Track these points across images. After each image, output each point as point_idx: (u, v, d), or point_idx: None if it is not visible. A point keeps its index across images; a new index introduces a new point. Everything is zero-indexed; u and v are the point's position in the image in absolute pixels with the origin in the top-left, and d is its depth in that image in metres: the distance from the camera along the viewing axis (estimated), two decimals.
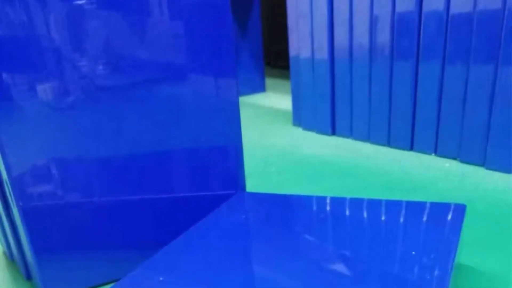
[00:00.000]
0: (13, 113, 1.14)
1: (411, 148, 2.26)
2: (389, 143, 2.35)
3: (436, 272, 0.96)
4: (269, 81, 4.12)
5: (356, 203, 1.32)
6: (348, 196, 1.36)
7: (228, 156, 1.41)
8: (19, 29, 1.11)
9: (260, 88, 3.88)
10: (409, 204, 1.29)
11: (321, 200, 1.35)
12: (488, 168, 1.97)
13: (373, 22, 2.25)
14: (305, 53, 2.64)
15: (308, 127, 2.74)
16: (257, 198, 1.41)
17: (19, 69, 1.13)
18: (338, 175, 2.04)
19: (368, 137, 2.44)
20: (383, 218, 1.23)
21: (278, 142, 2.56)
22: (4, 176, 1.19)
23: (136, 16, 1.22)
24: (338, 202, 1.34)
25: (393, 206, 1.28)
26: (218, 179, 1.41)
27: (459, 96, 2.02)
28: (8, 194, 1.23)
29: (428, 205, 1.27)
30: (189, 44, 1.29)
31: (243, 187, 1.46)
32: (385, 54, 2.24)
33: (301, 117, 2.78)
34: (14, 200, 1.18)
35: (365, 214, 1.26)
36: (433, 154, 2.18)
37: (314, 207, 1.33)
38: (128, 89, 1.25)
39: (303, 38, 2.62)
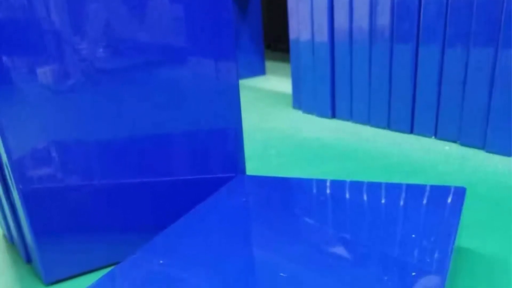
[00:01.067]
0: (13, 96, 1.13)
1: (411, 131, 2.26)
2: (389, 126, 2.35)
3: (436, 255, 0.96)
4: (269, 64, 4.12)
5: (356, 186, 1.32)
6: (348, 179, 1.37)
7: (228, 139, 1.41)
8: (19, 12, 1.11)
9: (260, 71, 3.88)
10: (409, 187, 1.29)
11: (321, 183, 1.35)
12: (488, 151, 1.96)
13: (373, 5, 2.25)
14: (305, 36, 2.63)
15: (308, 110, 2.74)
16: (257, 181, 1.41)
17: (19, 52, 1.12)
18: (338, 158, 2.04)
19: (368, 120, 2.44)
20: (383, 201, 1.23)
21: (278, 125, 2.56)
22: (4, 159, 1.18)
23: None
24: (338, 185, 1.34)
25: (393, 189, 1.28)
26: (218, 162, 1.41)
27: (459, 79, 2.02)
28: (8, 177, 1.23)
29: (428, 188, 1.27)
30: (189, 27, 1.28)
31: (243, 170, 1.46)
32: (385, 37, 2.24)
33: (301, 100, 2.78)
34: (14, 183, 1.18)
35: (365, 197, 1.26)
36: (433, 137, 2.18)
37: (314, 190, 1.33)
38: (128, 72, 1.24)
39: (303, 21, 2.61)
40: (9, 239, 1.49)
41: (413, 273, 0.90)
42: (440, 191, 1.25)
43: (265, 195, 1.32)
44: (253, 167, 1.73)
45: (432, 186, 1.27)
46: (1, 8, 1.09)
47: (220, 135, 1.39)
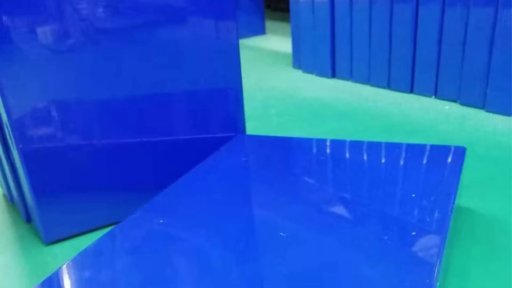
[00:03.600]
0: (13, 56, 1.13)
1: (411, 90, 2.26)
2: (389, 85, 2.34)
3: (436, 215, 0.96)
4: (269, 24, 4.10)
5: (356, 145, 1.32)
6: (347, 138, 1.36)
7: (228, 99, 1.40)
8: None
9: (260, 30, 3.86)
10: (409, 146, 1.29)
11: (321, 142, 1.35)
12: (488, 111, 1.96)
13: None
14: None
15: (308, 69, 2.73)
16: (257, 140, 1.41)
17: (19, 12, 1.12)
18: (338, 117, 2.04)
19: (368, 80, 2.43)
20: (383, 160, 1.23)
21: (278, 85, 2.55)
22: (4, 118, 1.18)
23: None
24: (338, 144, 1.34)
25: (393, 148, 1.28)
26: (218, 121, 1.41)
27: (459, 39, 2.01)
28: (8, 136, 1.23)
29: (428, 147, 1.27)
30: None
31: (243, 129, 1.46)
32: None
33: (301, 59, 2.77)
34: (14, 142, 1.18)
35: (365, 157, 1.26)
36: (433, 96, 2.18)
37: (314, 150, 1.33)
38: (128, 32, 1.24)
39: None
40: (9, 198, 1.49)
41: (413, 233, 0.91)
42: (440, 151, 1.25)
43: (265, 154, 1.32)
44: (253, 126, 1.73)
45: (432, 146, 1.27)
46: None
47: (220, 95, 1.39)
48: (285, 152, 1.35)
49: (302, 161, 1.30)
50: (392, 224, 0.95)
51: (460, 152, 1.22)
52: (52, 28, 1.15)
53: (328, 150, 1.32)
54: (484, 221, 1.24)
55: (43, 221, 1.26)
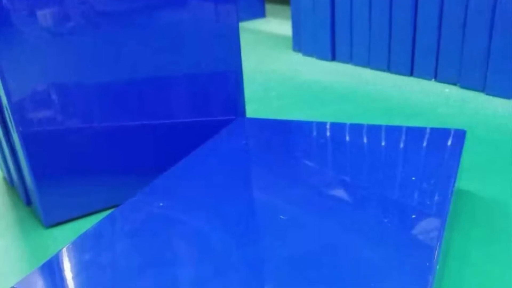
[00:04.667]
0: (13, 39, 1.13)
1: (411, 73, 2.25)
2: (389, 68, 2.34)
3: (436, 197, 0.97)
4: (269, 7, 4.09)
5: (356, 128, 1.32)
6: (347, 121, 1.36)
7: (228, 82, 1.40)
8: None
9: (260, 13, 3.85)
10: (409, 129, 1.29)
11: (321, 125, 1.35)
12: (488, 94, 1.96)
13: None
14: None
15: (308, 52, 2.73)
16: (257, 123, 1.41)
17: None
18: (338, 100, 2.03)
19: (368, 63, 2.43)
20: (383, 143, 1.23)
21: (278, 68, 2.55)
22: (4, 101, 1.18)
23: None
24: (338, 127, 1.34)
25: (392, 131, 1.28)
26: (218, 104, 1.41)
27: (459, 22, 2.00)
28: (8, 119, 1.23)
29: (428, 130, 1.27)
30: None
31: (243, 112, 1.46)
32: None
33: (301, 42, 2.76)
34: (14, 125, 1.18)
35: (365, 140, 1.26)
36: (433, 79, 2.17)
37: (314, 133, 1.33)
38: (128, 15, 1.23)
39: None
40: (9, 181, 1.49)
41: (413, 216, 0.91)
42: (440, 134, 1.25)
43: (265, 137, 1.32)
44: (253, 109, 1.73)
45: (432, 129, 1.27)
46: None
47: (220, 78, 1.38)
48: (285, 135, 1.35)
49: (302, 144, 1.30)
50: (392, 207, 0.95)
51: (460, 135, 1.22)
52: (52, 11, 1.15)
53: (328, 133, 1.32)
54: (484, 204, 1.24)
55: (43, 204, 1.26)
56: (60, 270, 0.82)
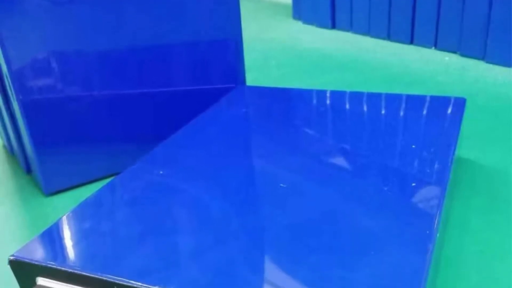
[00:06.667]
0: (13, 7, 1.12)
1: (411, 41, 2.25)
2: (389, 36, 2.33)
3: (436, 166, 0.96)
4: None
5: (356, 96, 1.32)
6: (348, 89, 1.36)
7: (228, 50, 1.40)
8: None
9: None
10: (409, 97, 1.28)
11: (321, 93, 1.35)
12: (488, 62, 1.96)
13: None
14: None
15: (308, 20, 2.72)
16: (257, 91, 1.40)
17: None
18: (338, 68, 2.03)
19: (368, 31, 2.42)
20: (382, 111, 1.23)
21: (278, 36, 2.54)
22: (4, 69, 1.18)
23: None
24: (338, 95, 1.33)
25: (392, 99, 1.28)
26: (218, 72, 1.41)
27: None
28: (8, 88, 1.23)
29: (428, 98, 1.26)
30: None
31: (243, 80, 1.45)
32: None
33: (301, 10, 2.75)
34: (14, 93, 1.18)
35: (364, 108, 1.26)
36: (433, 47, 2.17)
37: (314, 101, 1.32)
38: None
39: None
40: (9, 149, 1.49)
41: (413, 184, 0.90)
42: (440, 102, 1.24)
43: (265, 105, 1.32)
44: (253, 77, 1.73)
45: (432, 97, 1.27)
46: None
47: (220, 46, 1.38)
48: (285, 103, 1.34)
49: (302, 112, 1.29)
50: (392, 175, 0.95)
51: (460, 103, 1.21)
52: None
53: (328, 101, 1.31)
54: (484, 172, 1.24)
55: (43, 172, 1.26)
56: (60, 238, 0.83)
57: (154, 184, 0.97)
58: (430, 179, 0.92)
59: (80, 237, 0.82)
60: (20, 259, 0.76)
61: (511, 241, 0.99)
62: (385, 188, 0.89)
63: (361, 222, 0.81)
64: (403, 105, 1.25)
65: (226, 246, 0.78)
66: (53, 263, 0.74)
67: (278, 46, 2.37)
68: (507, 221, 1.05)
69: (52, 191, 1.29)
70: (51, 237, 0.83)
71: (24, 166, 1.37)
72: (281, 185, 0.93)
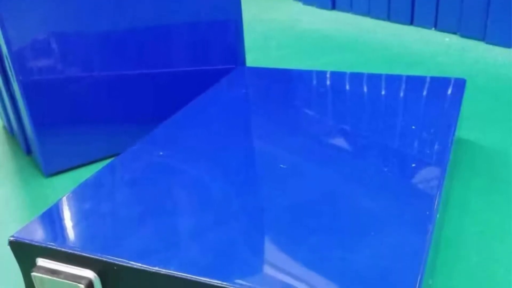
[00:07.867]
0: None
1: (411, 22, 2.24)
2: (389, 17, 2.32)
3: (436, 146, 0.96)
4: None
5: (356, 77, 1.31)
6: (348, 70, 1.36)
7: (228, 31, 1.39)
8: None
9: None
10: (409, 78, 1.28)
11: (321, 74, 1.35)
12: (488, 43, 1.95)
13: None
14: None
15: (308, 1, 2.71)
16: (257, 72, 1.40)
17: None
18: (338, 49, 2.03)
19: (368, 12, 2.42)
20: (383, 92, 1.22)
21: (278, 17, 2.54)
22: (4, 50, 1.18)
23: None
24: (338, 76, 1.33)
25: (393, 80, 1.28)
26: (218, 53, 1.40)
27: None
28: (8, 68, 1.23)
29: (428, 79, 1.26)
30: None
31: (243, 61, 1.45)
32: None
33: None
34: (14, 74, 1.18)
35: (365, 89, 1.26)
36: (433, 28, 2.16)
37: (314, 82, 1.32)
38: None
39: None
40: (9, 130, 1.49)
41: (413, 164, 0.90)
42: (440, 83, 1.24)
43: (265, 86, 1.31)
44: (253, 58, 1.72)
45: (432, 78, 1.27)
46: None
47: (220, 27, 1.38)
48: (285, 84, 1.34)
49: (302, 93, 1.29)
50: (392, 156, 0.95)
51: (460, 84, 1.21)
52: None
53: (328, 82, 1.31)
54: (484, 153, 1.24)
55: (43, 153, 1.26)
56: (60, 219, 0.83)
57: (154, 165, 0.97)
58: (430, 160, 0.92)
59: (80, 218, 0.82)
60: (20, 240, 0.76)
61: (511, 222, 0.99)
62: (385, 169, 0.89)
63: (361, 203, 0.81)
64: (403, 86, 1.25)
65: (226, 226, 0.78)
66: (53, 244, 0.74)
67: (278, 27, 2.37)
68: (507, 201, 1.05)
69: (52, 172, 1.29)
70: (51, 218, 0.83)
71: (24, 147, 1.37)
72: (281, 166, 0.93)
